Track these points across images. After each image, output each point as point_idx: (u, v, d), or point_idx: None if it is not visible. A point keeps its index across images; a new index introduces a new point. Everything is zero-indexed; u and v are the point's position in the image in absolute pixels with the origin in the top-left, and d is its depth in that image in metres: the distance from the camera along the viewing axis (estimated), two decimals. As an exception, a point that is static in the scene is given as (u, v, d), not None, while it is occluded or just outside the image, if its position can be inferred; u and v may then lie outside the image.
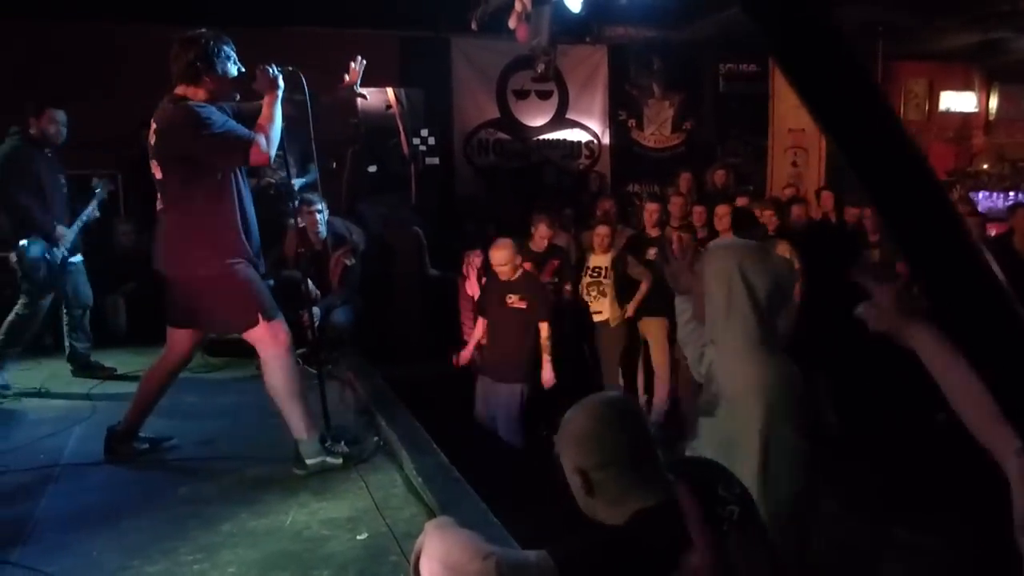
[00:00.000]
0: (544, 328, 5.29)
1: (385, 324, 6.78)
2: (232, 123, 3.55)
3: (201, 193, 3.60)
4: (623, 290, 6.15)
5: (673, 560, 1.54)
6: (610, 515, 1.65)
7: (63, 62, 7.36)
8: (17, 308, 5.27)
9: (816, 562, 3.25)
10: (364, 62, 4.17)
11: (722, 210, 6.01)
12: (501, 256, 5.22)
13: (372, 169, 8.29)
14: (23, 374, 5.45)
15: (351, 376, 5.22)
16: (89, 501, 3.46)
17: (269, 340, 3.68)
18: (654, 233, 6.33)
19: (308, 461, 3.70)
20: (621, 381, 6.25)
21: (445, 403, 5.52)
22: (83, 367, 5.62)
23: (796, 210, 6.73)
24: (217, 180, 3.60)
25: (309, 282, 4.95)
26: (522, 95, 9.68)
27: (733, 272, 2.68)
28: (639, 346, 6.36)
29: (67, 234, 5.35)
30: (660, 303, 6.01)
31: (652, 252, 6.14)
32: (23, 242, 5.14)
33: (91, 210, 5.56)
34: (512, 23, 6.78)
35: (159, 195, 3.71)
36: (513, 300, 5.26)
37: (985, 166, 10.61)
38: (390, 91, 8.46)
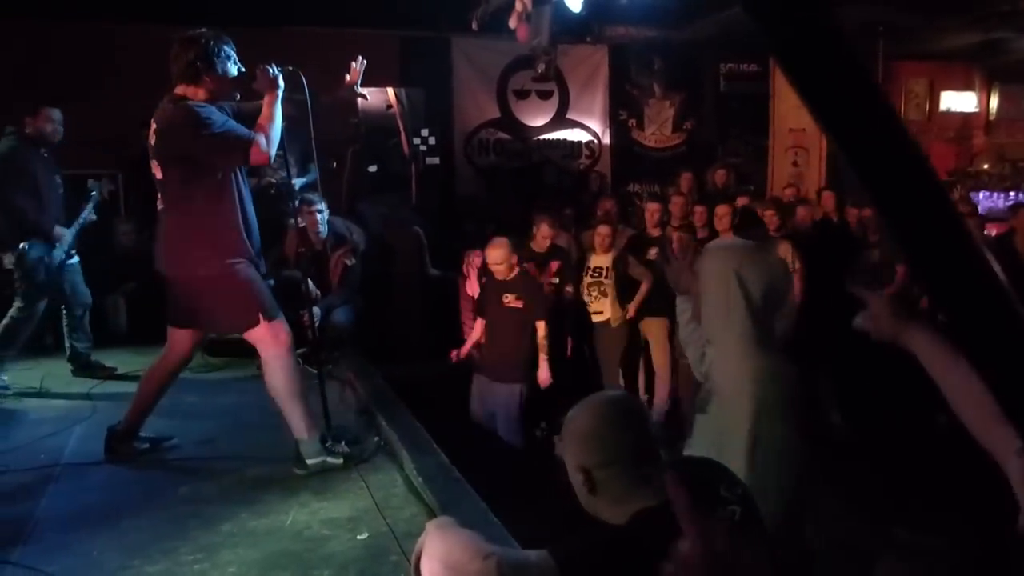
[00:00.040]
0: (541, 327, 5.29)
1: (385, 324, 6.79)
2: (232, 123, 3.55)
3: (201, 193, 3.60)
4: (624, 290, 6.15)
5: None
6: (612, 514, 1.65)
7: (63, 62, 7.37)
8: (12, 311, 5.26)
9: (813, 561, 3.26)
10: (364, 62, 4.17)
11: (722, 210, 6.00)
12: (497, 255, 5.23)
13: (372, 169, 8.29)
14: (23, 374, 5.45)
15: (351, 376, 5.22)
16: (89, 501, 3.47)
17: (270, 340, 3.68)
18: (655, 233, 6.33)
19: (309, 461, 3.70)
20: (621, 381, 6.25)
21: (445, 403, 5.52)
22: (84, 367, 5.62)
23: (802, 211, 6.67)
24: (217, 180, 3.60)
25: (309, 282, 4.95)
26: (523, 95, 9.68)
27: (729, 273, 2.70)
28: (640, 346, 6.36)
29: (65, 235, 5.35)
30: (661, 303, 6.01)
31: (653, 252, 6.14)
32: (23, 244, 5.14)
33: (87, 213, 5.55)
34: (512, 23, 6.77)
35: (159, 195, 3.71)
36: (509, 300, 5.26)
37: (986, 166, 10.61)
38: (390, 91, 8.47)
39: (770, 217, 6.04)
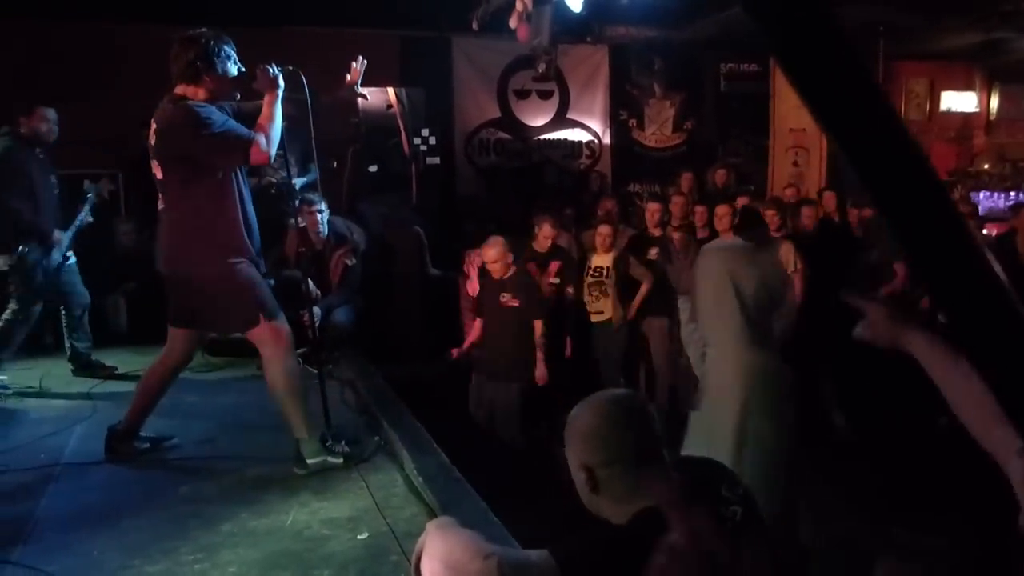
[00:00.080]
0: (538, 327, 5.28)
1: (386, 324, 6.78)
2: (232, 123, 3.55)
3: (202, 193, 3.60)
4: (625, 290, 6.14)
5: None
6: (614, 513, 1.65)
7: (63, 62, 7.36)
8: (7, 313, 5.24)
9: (809, 561, 3.26)
10: (365, 62, 4.17)
11: (722, 210, 6.00)
12: (492, 254, 5.24)
13: (373, 169, 8.29)
14: (23, 373, 5.45)
15: (352, 376, 5.22)
16: (90, 500, 3.47)
17: (270, 339, 3.68)
18: (656, 233, 6.33)
19: (309, 461, 3.70)
20: (621, 381, 6.24)
21: (446, 403, 5.52)
22: (84, 367, 5.62)
23: (806, 211, 6.60)
24: (218, 180, 3.60)
25: (309, 282, 4.95)
26: (523, 95, 9.67)
27: (723, 274, 2.73)
28: (640, 346, 6.36)
29: (63, 239, 5.33)
30: (661, 303, 6.02)
31: (654, 252, 6.14)
32: (21, 247, 5.12)
33: (84, 215, 5.54)
34: (513, 23, 6.78)
35: (160, 195, 3.71)
36: (506, 298, 5.27)
37: (986, 166, 10.60)
38: (391, 91, 8.47)
39: (771, 217, 6.04)
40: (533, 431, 5.74)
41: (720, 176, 8.52)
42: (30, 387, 5.26)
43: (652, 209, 6.47)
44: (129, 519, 3.24)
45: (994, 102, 11.07)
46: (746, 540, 1.63)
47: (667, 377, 6.16)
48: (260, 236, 3.84)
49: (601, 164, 9.96)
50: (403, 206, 8.02)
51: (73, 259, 5.52)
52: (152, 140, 3.62)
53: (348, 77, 4.15)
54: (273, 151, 3.61)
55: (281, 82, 3.65)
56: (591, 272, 6.18)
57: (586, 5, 6.45)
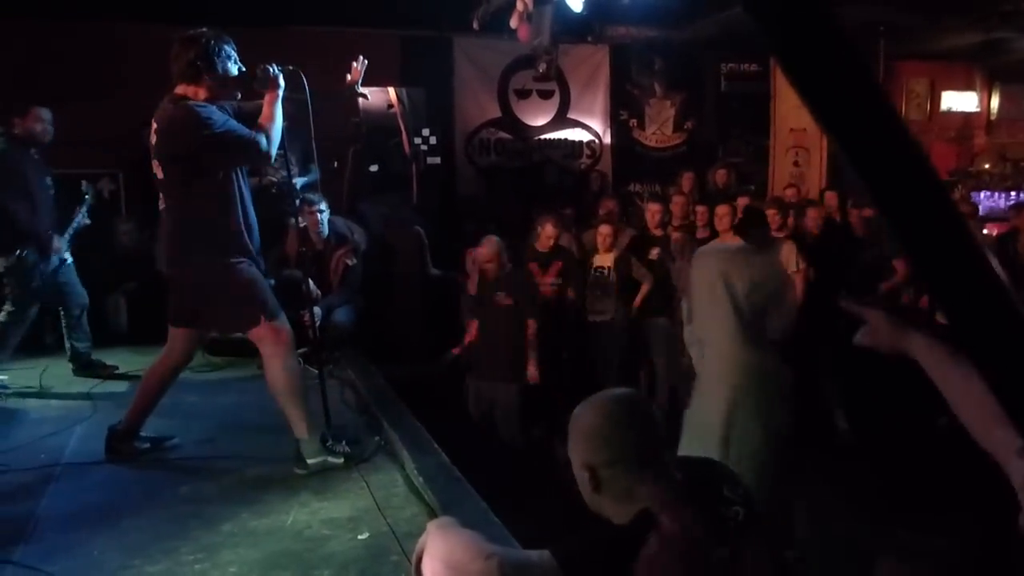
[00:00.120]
0: (531, 325, 5.27)
1: (386, 324, 6.79)
2: (233, 123, 3.56)
3: (203, 193, 3.60)
4: (626, 290, 6.15)
5: None
6: (616, 512, 1.65)
7: (63, 62, 7.36)
8: (2, 316, 5.23)
9: (803, 562, 3.26)
10: (365, 61, 4.18)
11: (722, 210, 6.00)
12: (485, 253, 5.25)
13: (373, 168, 8.29)
14: (24, 373, 5.45)
15: (352, 376, 5.22)
16: (90, 500, 3.46)
17: (271, 339, 3.68)
18: (658, 233, 6.34)
19: (309, 460, 3.70)
20: (621, 382, 6.24)
21: (446, 403, 5.52)
22: (84, 366, 5.61)
23: (812, 213, 6.55)
24: (219, 179, 3.60)
25: (310, 282, 4.94)
26: (524, 95, 9.67)
27: (716, 275, 2.76)
28: (641, 346, 6.36)
29: (61, 246, 5.31)
30: (662, 303, 6.02)
31: (655, 252, 6.15)
32: (20, 251, 5.10)
33: (81, 218, 5.52)
34: (514, 23, 6.78)
35: (161, 195, 3.71)
36: (500, 297, 5.27)
37: (987, 166, 10.60)
38: (391, 90, 8.47)
39: (772, 216, 6.04)
40: (533, 431, 5.75)
41: (721, 176, 8.52)
42: (30, 387, 5.25)
43: (653, 210, 6.48)
44: (129, 519, 3.24)
45: (995, 102, 11.07)
46: (747, 540, 1.63)
47: (668, 377, 6.17)
48: (260, 236, 3.85)
49: (602, 164, 9.95)
50: (404, 206, 8.02)
51: (70, 260, 5.51)
52: (153, 140, 3.62)
53: (349, 77, 4.15)
54: (274, 151, 3.61)
55: (282, 82, 3.65)
56: (592, 272, 6.18)
57: (587, 5, 6.46)
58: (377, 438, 4.11)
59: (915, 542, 4.11)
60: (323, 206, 5.87)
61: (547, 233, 5.96)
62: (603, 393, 1.78)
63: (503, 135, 9.62)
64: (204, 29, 3.59)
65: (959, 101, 10.97)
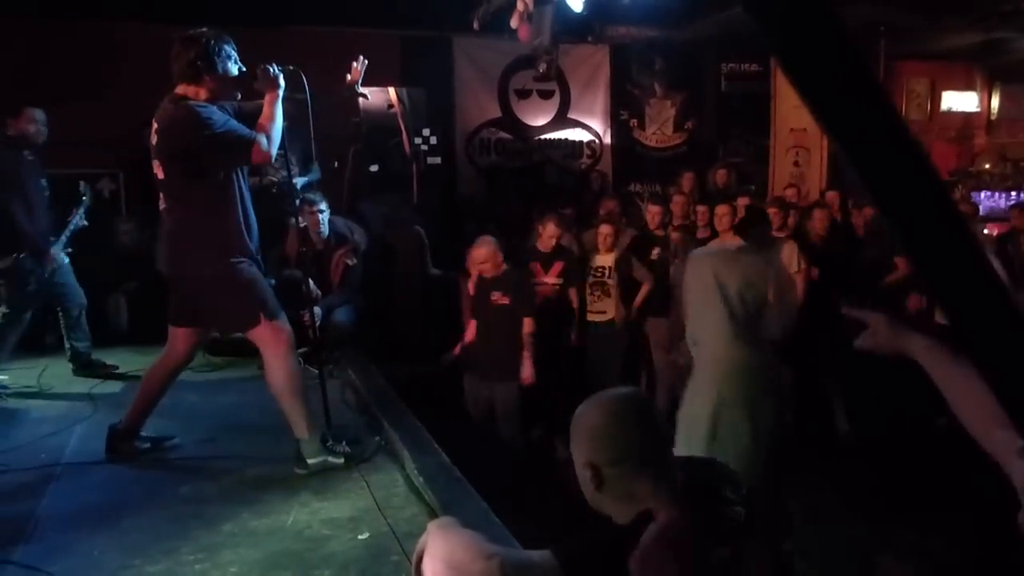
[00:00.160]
0: (527, 324, 5.26)
1: (386, 324, 6.78)
2: (233, 123, 3.56)
3: (204, 193, 3.61)
4: (627, 290, 6.14)
5: None
6: (618, 512, 1.65)
7: (63, 61, 7.36)
8: None
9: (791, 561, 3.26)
10: (366, 61, 4.18)
11: (722, 210, 6.00)
12: (480, 254, 5.24)
13: (374, 168, 8.29)
14: (24, 373, 5.45)
15: (352, 376, 5.22)
16: (91, 500, 3.47)
17: (271, 339, 3.68)
18: (659, 234, 6.34)
19: (310, 460, 3.70)
20: (622, 382, 6.24)
21: (446, 402, 5.52)
22: (84, 366, 5.61)
23: (819, 215, 6.44)
24: (219, 179, 3.60)
25: (310, 282, 4.94)
26: (524, 95, 9.67)
27: (708, 275, 2.77)
28: (641, 346, 6.35)
29: (57, 254, 5.29)
30: (663, 303, 6.01)
31: (656, 252, 6.15)
32: (17, 255, 5.09)
33: (78, 219, 5.50)
34: (514, 23, 6.78)
35: (162, 195, 3.71)
36: (497, 297, 5.27)
37: (987, 166, 10.60)
38: (392, 90, 8.46)
39: (773, 215, 6.04)
40: (533, 431, 5.75)
41: (721, 176, 8.51)
42: (31, 387, 5.26)
43: (653, 212, 6.49)
44: (130, 519, 3.24)
45: (995, 102, 11.07)
46: (748, 541, 1.63)
47: (667, 378, 6.16)
48: (261, 236, 3.85)
49: (602, 164, 9.95)
50: (404, 206, 8.02)
51: (66, 260, 5.49)
52: (154, 140, 3.62)
53: (349, 77, 4.15)
54: (274, 151, 3.61)
55: (282, 82, 3.65)
56: (593, 272, 6.18)
57: (587, 5, 6.45)
58: (377, 438, 4.11)
59: (915, 542, 4.12)
60: (323, 206, 5.86)
61: (549, 232, 5.95)
62: (608, 392, 1.77)
63: (503, 135, 9.62)
64: (204, 29, 3.59)
65: (959, 101, 10.97)
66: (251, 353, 4.23)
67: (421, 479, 3.48)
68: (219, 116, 3.51)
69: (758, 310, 2.89)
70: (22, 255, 5.12)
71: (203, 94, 3.57)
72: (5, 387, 5.12)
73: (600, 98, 9.98)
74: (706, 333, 2.83)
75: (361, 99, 5.39)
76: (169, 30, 3.68)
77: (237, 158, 3.60)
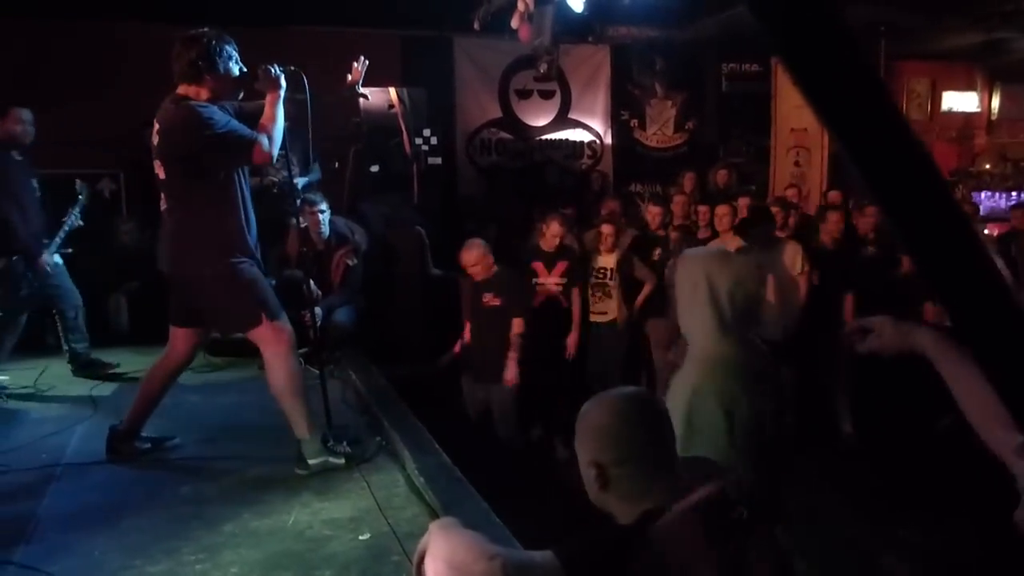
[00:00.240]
0: (517, 324, 5.24)
1: (387, 324, 6.78)
2: (234, 123, 3.56)
3: (205, 193, 3.60)
4: (628, 290, 6.14)
5: None
6: (621, 511, 1.65)
7: (63, 61, 7.37)
8: None
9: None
10: (366, 62, 4.18)
11: (722, 210, 6.00)
12: (470, 257, 5.23)
13: (374, 169, 8.28)
14: (24, 373, 5.45)
15: (353, 376, 5.22)
16: (91, 501, 3.46)
17: (272, 339, 3.68)
18: (660, 234, 6.34)
19: (310, 461, 3.70)
20: (622, 382, 6.24)
21: (447, 403, 5.52)
22: (83, 366, 5.61)
23: (833, 217, 6.24)
24: (220, 180, 3.60)
25: (311, 282, 4.94)
26: (524, 95, 9.68)
27: (699, 276, 2.77)
28: (642, 347, 6.35)
29: (49, 259, 5.28)
30: (664, 304, 6.01)
31: (657, 253, 6.15)
32: (9, 258, 5.08)
33: (73, 219, 5.48)
34: (515, 23, 6.78)
35: (163, 195, 3.71)
36: (488, 298, 5.26)
37: (987, 166, 10.60)
38: (392, 91, 8.46)
39: (776, 215, 6.04)
40: (532, 431, 5.75)
41: (722, 176, 8.52)
42: (30, 387, 5.26)
43: (653, 212, 6.49)
44: (131, 519, 3.24)
45: (995, 102, 11.07)
46: (752, 541, 1.63)
47: (667, 377, 6.14)
48: (261, 236, 3.85)
49: (602, 164, 9.96)
50: (404, 206, 8.02)
51: (60, 262, 5.47)
52: (155, 140, 3.62)
53: (349, 77, 4.15)
54: (275, 151, 3.61)
55: (283, 82, 3.65)
56: (594, 272, 6.17)
57: (588, 5, 6.46)
58: (378, 438, 4.11)
59: (915, 542, 4.11)
60: (324, 206, 5.86)
61: (553, 232, 5.92)
62: (613, 391, 1.77)
63: (504, 135, 9.63)
64: (205, 29, 3.59)
65: (960, 101, 10.98)
66: (251, 353, 4.23)
67: (422, 479, 3.48)
68: (220, 116, 3.51)
69: (748, 308, 2.89)
70: (14, 258, 5.11)
71: (204, 94, 3.57)
72: (5, 387, 5.12)
73: (601, 98, 9.99)
74: (694, 329, 2.85)
75: (361, 99, 5.39)
76: (169, 30, 3.68)
77: (238, 158, 3.60)
